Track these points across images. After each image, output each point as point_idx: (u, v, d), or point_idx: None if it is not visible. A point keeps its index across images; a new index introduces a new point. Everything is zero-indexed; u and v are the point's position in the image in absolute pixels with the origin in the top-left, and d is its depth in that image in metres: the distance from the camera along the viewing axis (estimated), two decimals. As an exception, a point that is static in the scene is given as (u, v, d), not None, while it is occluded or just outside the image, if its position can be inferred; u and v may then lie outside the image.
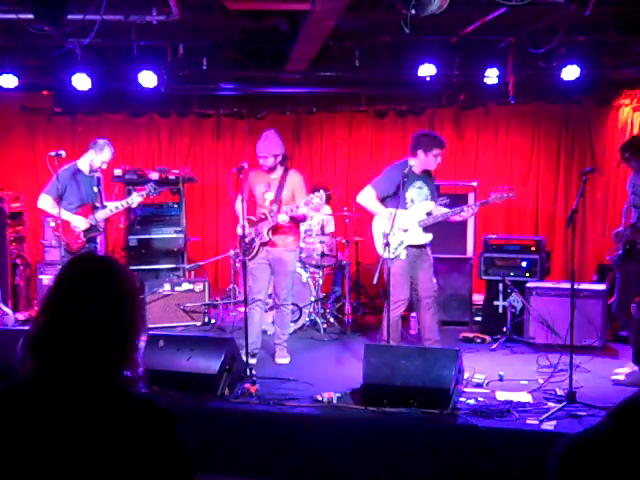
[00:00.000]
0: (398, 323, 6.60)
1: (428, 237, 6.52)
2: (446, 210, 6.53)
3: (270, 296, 7.09)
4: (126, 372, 1.90)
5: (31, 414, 1.81)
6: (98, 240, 7.25)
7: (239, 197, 6.83)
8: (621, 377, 5.96)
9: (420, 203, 6.47)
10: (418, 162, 6.40)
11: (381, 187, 6.40)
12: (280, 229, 6.65)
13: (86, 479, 1.75)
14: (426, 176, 6.53)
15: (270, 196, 6.69)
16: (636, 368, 5.96)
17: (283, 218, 6.51)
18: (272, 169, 6.65)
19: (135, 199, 7.16)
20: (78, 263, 2.00)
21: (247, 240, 6.69)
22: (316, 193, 6.42)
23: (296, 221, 6.74)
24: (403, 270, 6.47)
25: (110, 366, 1.87)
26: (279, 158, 6.64)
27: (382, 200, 6.44)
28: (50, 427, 1.78)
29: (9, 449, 1.77)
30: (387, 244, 6.21)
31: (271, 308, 7.27)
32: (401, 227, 6.34)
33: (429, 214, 6.47)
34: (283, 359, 6.84)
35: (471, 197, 8.04)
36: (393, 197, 6.36)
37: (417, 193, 6.45)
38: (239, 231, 6.64)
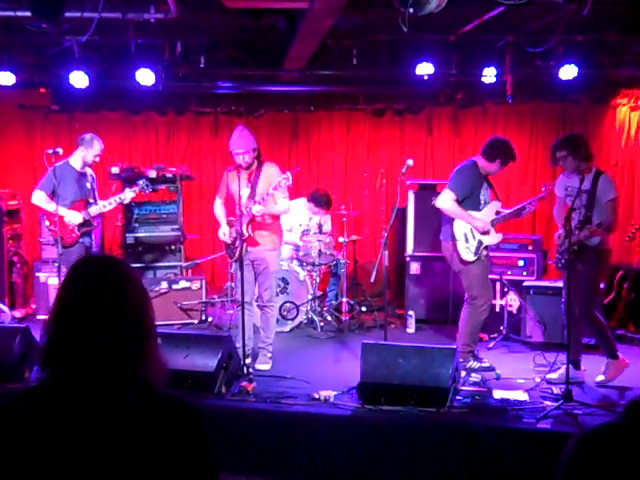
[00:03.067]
0: (481, 327, 6.54)
1: (500, 237, 6.56)
2: (508, 210, 6.60)
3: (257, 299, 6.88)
4: (150, 371, 1.89)
5: (54, 417, 1.78)
6: (93, 236, 7.26)
7: (217, 199, 6.79)
8: (601, 377, 5.97)
9: (490, 203, 6.49)
10: (488, 167, 6.42)
11: (460, 190, 6.34)
12: (261, 227, 6.48)
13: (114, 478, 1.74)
14: (487, 177, 6.55)
15: (246, 192, 6.46)
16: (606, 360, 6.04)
17: (257, 209, 6.28)
18: (250, 165, 6.47)
19: (128, 195, 7.19)
20: (86, 265, 1.98)
21: (229, 242, 6.60)
22: (282, 175, 6.29)
23: (274, 216, 6.59)
24: (486, 270, 6.51)
25: (131, 366, 1.85)
26: (256, 152, 6.47)
27: (459, 203, 6.38)
28: (76, 429, 1.76)
29: (36, 452, 1.75)
30: (480, 244, 6.34)
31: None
32: (481, 230, 6.37)
33: (498, 213, 6.51)
34: (263, 365, 6.57)
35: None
36: (468, 199, 6.38)
37: (485, 194, 6.48)
38: (220, 236, 6.61)
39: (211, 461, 1.85)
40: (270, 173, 6.51)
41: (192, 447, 1.80)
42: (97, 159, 7.16)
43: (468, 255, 6.35)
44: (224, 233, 6.59)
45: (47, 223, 7.15)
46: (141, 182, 7.36)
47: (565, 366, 5.62)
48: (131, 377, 1.83)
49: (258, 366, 6.53)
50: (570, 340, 5.88)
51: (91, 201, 7.15)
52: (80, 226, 6.99)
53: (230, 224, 6.58)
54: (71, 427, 1.76)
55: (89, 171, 7.28)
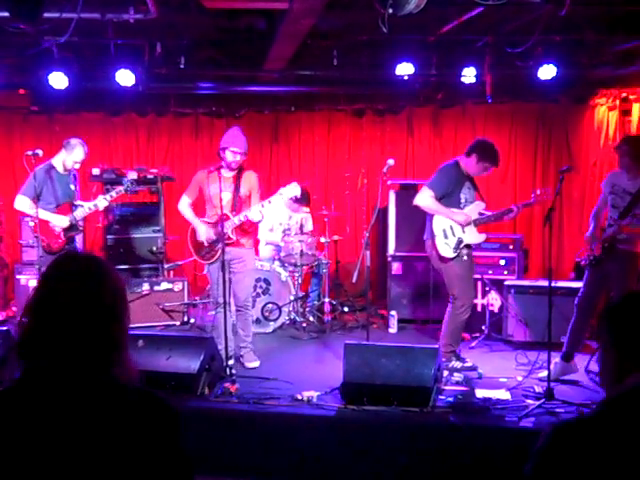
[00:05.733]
0: (463, 327, 6.55)
1: (482, 237, 6.56)
2: (492, 212, 6.61)
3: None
4: (121, 368, 1.90)
5: (28, 416, 1.79)
6: (77, 239, 7.18)
7: (185, 198, 6.71)
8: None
9: (474, 203, 6.50)
10: (467, 164, 6.43)
11: (438, 188, 6.36)
12: (239, 228, 6.46)
13: (89, 474, 1.74)
14: (472, 177, 6.55)
15: (227, 196, 6.43)
16: (557, 359, 6.14)
17: (256, 216, 6.31)
18: (237, 167, 6.48)
19: (101, 202, 6.99)
20: (65, 262, 1.98)
21: (207, 244, 6.55)
22: (287, 186, 6.32)
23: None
24: (469, 271, 6.49)
25: (103, 363, 1.86)
26: (245, 157, 6.52)
27: (438, 201, 6.38)
28: (50, 426, 1.77)
29: (9, 452, 1.76)
30: (460, 242, 6.35)
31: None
32: (462, 224, 6.38)
33: (482, 214, 6.52)
34: (253, 363, 6.64)
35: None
36: (447, 197, 6.39)
37: (468, 193, 6.49)
38: (202, 237, 6.51)
39: (186, 457, 1.86)
40: (251, 180, 6.56)
41: (165, 442, 1.81)
42: (77, 166, 7.02)
43: (446, 251, 6.37)
44: (206, 233, 6.52)
45: (31, 224, 6.95)
46: (125, 182, 7.24)
47: (553, 360, 5.89)
48: (103, 375, 1.84)
49: (249, 364, 6.61)
50: (571, 335, 6.12)
51: (76, 203, 7.04)
52: (66, 231, 6.88)
53: (208, 225, 6.56)
54: (44, 426, 1.77)
55: (73, 171, 7.15)
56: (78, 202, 7.05)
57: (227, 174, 6.47)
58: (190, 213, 6.68)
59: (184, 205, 6.71)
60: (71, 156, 6.90)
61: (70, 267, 1.95)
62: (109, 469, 1.74)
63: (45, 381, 1.82)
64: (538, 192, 6.46)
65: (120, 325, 1.93)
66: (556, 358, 6.13)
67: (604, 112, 9.56)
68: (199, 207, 6.78)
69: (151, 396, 1.88)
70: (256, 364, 6.64)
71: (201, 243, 6.61)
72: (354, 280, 6.69)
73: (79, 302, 1.86)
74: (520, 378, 6.07)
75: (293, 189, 6.33)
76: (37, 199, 6.67)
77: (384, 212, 8.66)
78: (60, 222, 6.82)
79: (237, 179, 6.51)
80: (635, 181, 5.93)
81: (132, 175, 8.71)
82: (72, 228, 6.91)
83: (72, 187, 7.06)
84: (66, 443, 1.75)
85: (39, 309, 1.88)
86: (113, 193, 7.12)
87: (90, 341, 1.84)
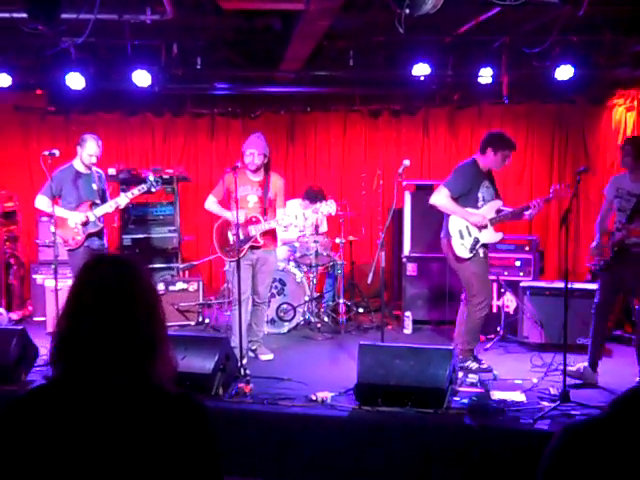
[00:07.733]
0: (481, 325, 6.54)
1: (499, 236, 6.55)
2: (510, 209, 6.57)
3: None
4: (160, 370, 1.89)
5: (65, 412, 1.79)
6: (104, 238, 7.17)
7: (211, 197, 6.97)
8: (573, 368, 5.99)
9: (491, 202, 6.47)
10: (485, 161, 6.41)
11: (455, 187, 6.34)
12: (267, 232, 6.77)
13: (121, 475, 1.74)
14: (491, 175, 6.53)
15: (254, 198, 6.76)
16: (586, 363, 6.06)
17: (287, 221, 6.68)
18: (257, 169, 6.74)
19: (122, 200, 7.09)
20: (96, 265, 1.98)
21: (232, 241, 6.68)
22: (324, 203, 6.77)
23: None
24: (486, 269, 6.50)
25: (142, 365, 1.85)
26: (266, 159, 6.76)
27: (454, 200, 6.37)
28: (84, 425, 1.77)
29: (43, 447, 1.75)
30: (476, 241, 6.34)
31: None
32: (478, 225, 6.36)
33: (499, 212, 6.49)
34: (267, 355, 6.96)
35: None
36: (465, 196, 6.37)
37: (486, 192, 6.46)
38: (242, 218, 6.56)
39: (217, 460, 1.85)
40: (277, 184, 6.86)
41: (197, 444, 1.81)
42: (93, 159, 7.02)
43: (463, 252, 6.35)
44: (242, 215, 6.56)
45: (52, 229, 6.96)
46: (149, 180, 7.25)
47: (581, 364, 5.95)
48: (141, 376, 1.84)
49: (264, 357, 6.92)
50: (593, 342, 6.03)
51: (98, 202, 7.07)
52: (84, 227, 6.93)
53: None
54: (77, 425, 1.77)
55: (96, 169, 7.19)
56: (109, 201, 7.11)
57: (255, 178, 6.76)
58: (218, 208, 6.91)
59: (210, 202, 6.95)
60: (85, 150, 6.96)
61: (103, 270, 1.95)
62: (137, 472, 1.74)
63: (78, 382, 1.82)
64: (558, 187, 6.40)
65: (156, 325, 1.93)
66: (584, 362, 6.08)
67: (622, 113, 9.49)
68: (223, 207, 6.92)
69: (184, 399, 1.86)
70: (270, 356, 6.95)
71: (227, 240, 6.80)
72: (369, 281, 6.68)
73: (114, 305, 1.86)
74: (535, 380, 6.03)
75: (330, 207, 6.72)
76: (58, 198, 6.86)
77: (399, 213, 8.64)
78: (75, 218, 6.91)
79: (265, 183, 6.76)
80: (638, 183, 5.88)
81: (148, 175, 8.73)
82: (90, 225, 6.95)
83: (94, 186, 7.07)
84: (93, 445, 1.75)
85: (73, 314, 1.88)
86: (135, 191, 7.16)
87: (127, 344, 1.84)
